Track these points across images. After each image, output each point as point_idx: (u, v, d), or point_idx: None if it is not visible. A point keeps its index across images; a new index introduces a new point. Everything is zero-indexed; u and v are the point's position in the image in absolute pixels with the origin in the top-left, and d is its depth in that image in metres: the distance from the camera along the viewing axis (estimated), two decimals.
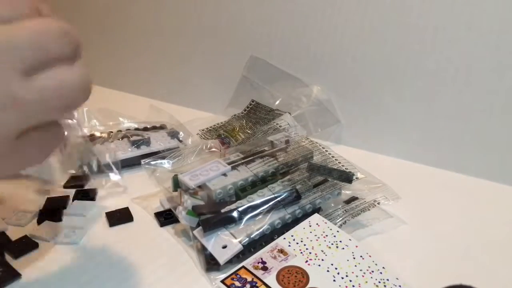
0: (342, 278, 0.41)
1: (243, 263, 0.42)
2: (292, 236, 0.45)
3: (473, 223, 0.53)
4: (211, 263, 0.44)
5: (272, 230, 0.46)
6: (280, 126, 0.64)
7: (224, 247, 0.44)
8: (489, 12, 0.54)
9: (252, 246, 0.45)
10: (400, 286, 0.40)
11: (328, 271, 0.41)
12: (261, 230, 0.45)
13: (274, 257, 0.43)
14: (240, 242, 0.44)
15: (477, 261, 0.46)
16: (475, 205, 0.56)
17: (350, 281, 0.41)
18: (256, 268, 0.42)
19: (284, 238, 0.45)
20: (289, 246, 0.44)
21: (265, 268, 0.41)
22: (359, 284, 0.40)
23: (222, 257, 0.43)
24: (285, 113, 0.67)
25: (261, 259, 0.43)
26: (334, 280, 0.41)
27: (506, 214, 0.54)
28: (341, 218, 0.49)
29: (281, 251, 0.43)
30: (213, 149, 0.61)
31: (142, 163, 0.56)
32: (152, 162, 0.56)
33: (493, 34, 0.55)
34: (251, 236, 0.45)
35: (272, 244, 0.44)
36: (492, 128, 0.59)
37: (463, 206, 0.56)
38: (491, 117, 0.58)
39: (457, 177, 0.61)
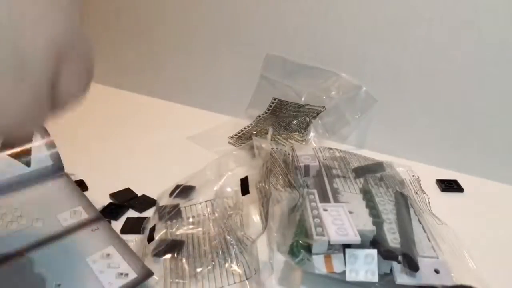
0: None
1: None
2: None
3: (475, 223, 0.49)
4: None
5: None
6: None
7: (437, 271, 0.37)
8: (492, 12, 0.53)
9: None
10: None
11: None
12: None
13: None
14: None
15: (478, 261, 0.42)
16: (476, 206, 0.53)
17: None
18: None
19: None
20: None
21: None
22: None
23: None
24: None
25: None
26: None
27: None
28: None
29: None
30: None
31: None
32: None
33: (496, 34, 0.54)
34: None
35: None
36: (495, 128, 0.57)
37: (466, 206, 0.53)
38: (494, 117, 0.57)
39: (460, 177, 0.58)
